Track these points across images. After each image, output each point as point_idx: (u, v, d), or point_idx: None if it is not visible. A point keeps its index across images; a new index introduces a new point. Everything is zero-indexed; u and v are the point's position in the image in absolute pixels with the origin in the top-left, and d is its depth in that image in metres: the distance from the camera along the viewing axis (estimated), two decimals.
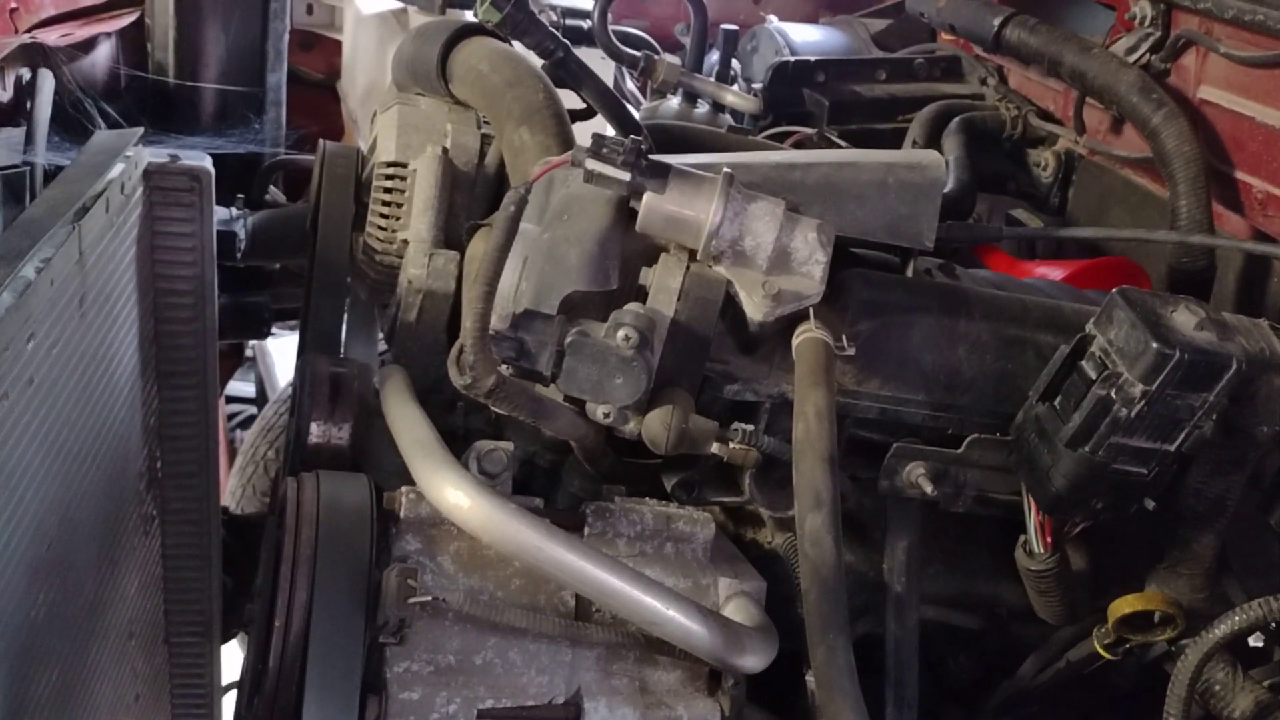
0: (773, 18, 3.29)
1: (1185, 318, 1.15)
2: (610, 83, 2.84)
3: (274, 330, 2.75)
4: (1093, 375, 1.18)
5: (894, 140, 2.50)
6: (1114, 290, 1.20)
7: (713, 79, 2.65)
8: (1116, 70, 2.01)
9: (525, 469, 1.51)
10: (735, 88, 2.72)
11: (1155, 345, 1.12)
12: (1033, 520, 1.31)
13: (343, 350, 1.95)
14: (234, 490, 2.79)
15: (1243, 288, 1.91)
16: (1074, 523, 1.31)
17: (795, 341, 1.24)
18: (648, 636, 1.27)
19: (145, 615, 1.94)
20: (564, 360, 1.19)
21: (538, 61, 1.85)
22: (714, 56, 3.24)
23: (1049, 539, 1.30)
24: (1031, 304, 1.40)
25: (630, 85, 2.92)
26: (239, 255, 2.36)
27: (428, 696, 1.20)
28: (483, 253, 1.18)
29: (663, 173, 1.22)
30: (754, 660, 1.22)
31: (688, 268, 1.27)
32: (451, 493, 1.17)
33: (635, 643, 1.28)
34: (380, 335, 2.10)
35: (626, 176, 1.20)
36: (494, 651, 1.23)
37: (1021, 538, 1.34)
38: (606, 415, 1.22)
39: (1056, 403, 1.24)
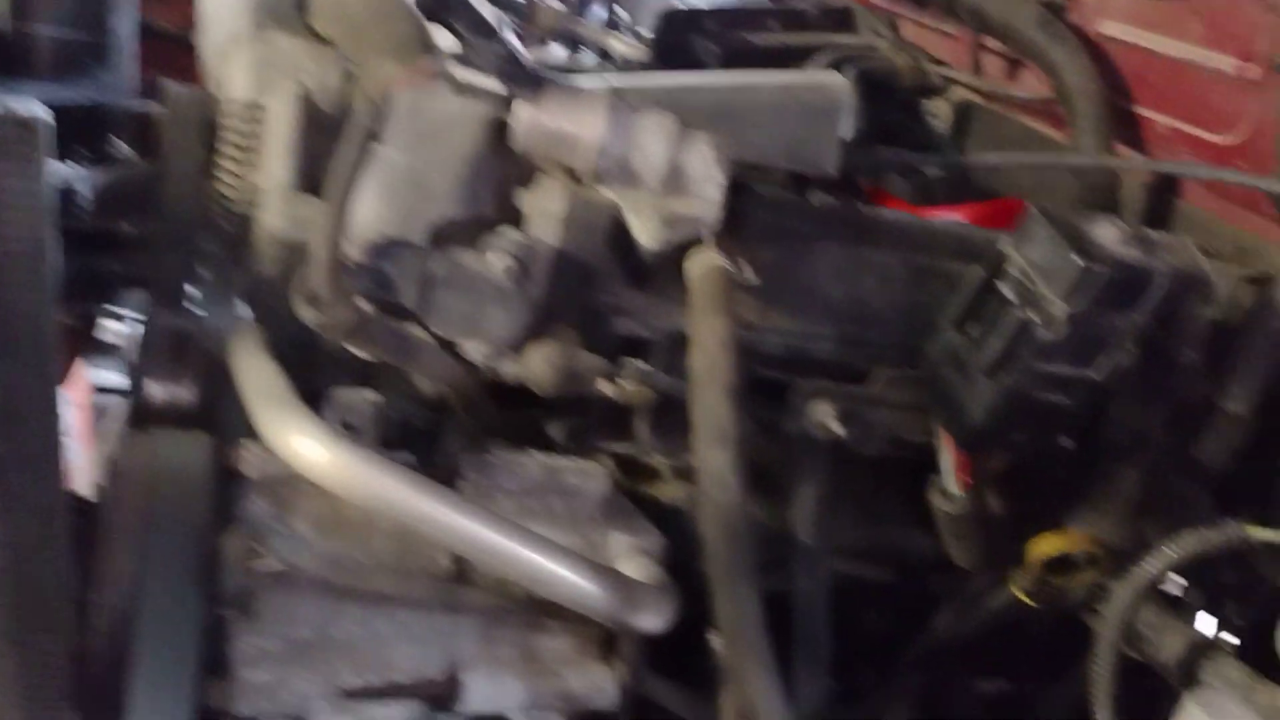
0: None
1: (1108, 232, 1.07)
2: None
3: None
4: (1011, 297, 1.09)
5: None
6: (1031, 206, 1.11)
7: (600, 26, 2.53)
8: (1015, 6, 1.95)
9: (401, 432, 1.37)
10: (623, 35, 2.60)
11: (1079, 261, 1.03)
12: (948, 459, 1.22)
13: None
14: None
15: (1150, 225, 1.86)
16: (993, 460, 1.22)
17: (691, 269, 1.12)
18: (535, 600, 1.15)
19: None
20: (432, 293, 1.05)
21: None
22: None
23: (967, 479, 1.21)
24: (941, 231, 1.31)
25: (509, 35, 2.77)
26: (82, 215, 2.14)
27: (280, 676, 1.06)
28: (330, 171, 1.04)
29: (540, 84, 1.09)
30: (653, 619, 1.11)
31: (572, 191, 1.14)
32: (302, 442, 1.02)
33: (521, 608, 1.16)
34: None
35: (500, 87, 1.07)
36: (358, 623, 1.10)
37: (935, 480, 1.25)
38: (483, 354, 1.08)
39: (972, 330, 1.15)
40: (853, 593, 1.51)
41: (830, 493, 1.38)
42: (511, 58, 1.07)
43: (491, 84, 1.06)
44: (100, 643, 1.02)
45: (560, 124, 1.09)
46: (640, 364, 1.14)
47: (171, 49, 2.92)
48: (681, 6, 2.51)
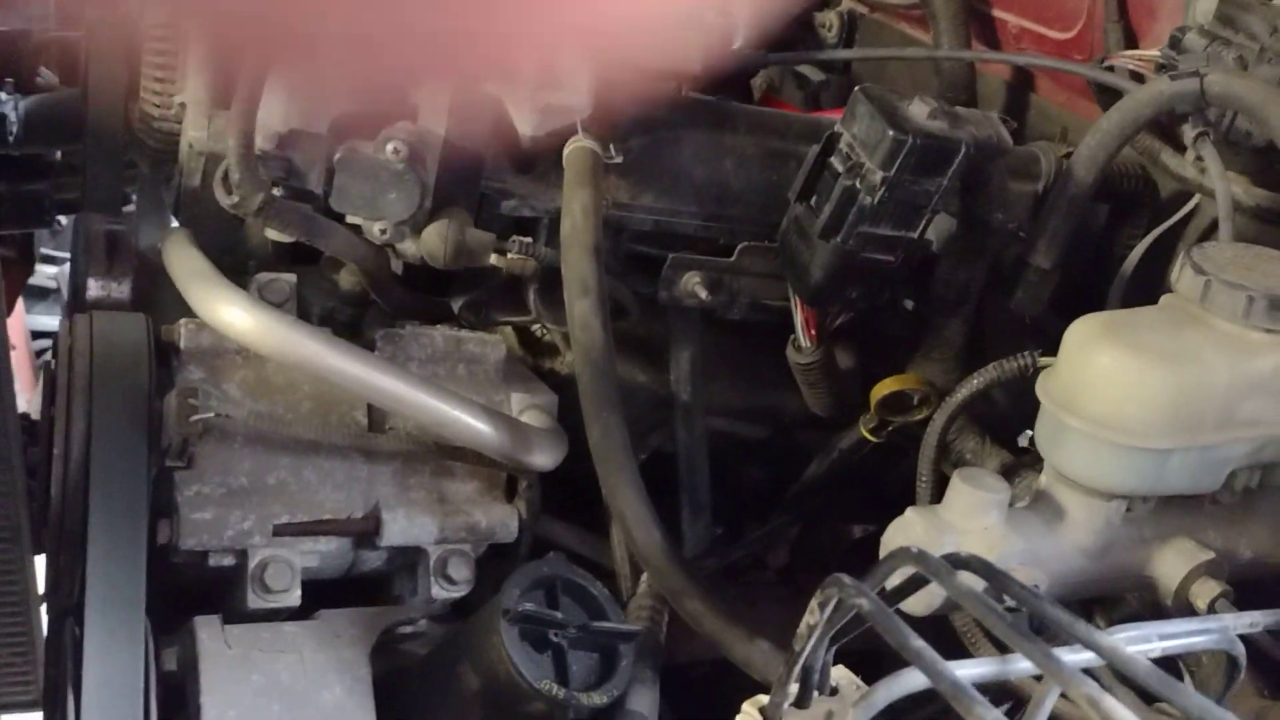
0: None
1: (919, 109, 1.24)
2: None
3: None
4: (840, 169, 1.26)
5: None
6: (856, 88, 1.28)
7: None
8: None
9: (324, 324, 1.52)
10: None
11: (891, 132, 1.20)
12: (799, 316, 1.40)
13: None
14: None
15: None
16: (834, 315, 1.40)
17: (565, 152, 1.28)
18: (443, 449, 1.32)
19: None
20: (335, 178, 1.20)
21: None
22: None
23: (814, 332, 1.40)
24: (793, 118, 1.47)
25: None
26: (11, 140, 2.24)
27: (220, 516, 1.22)
28: (241, 70, 1.18)
29: None
30: (543, 458, 1.28)
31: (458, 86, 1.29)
32: (228, 310, 1.18)
33: (431, 455, 1.32)
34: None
35: None
36: (287, 471, 1.26)
37: (792, 337, 1.43)
38: (383, 231, 1.24)
39: (813, 201, 1.32)
40: (733, 449, 1.70)
41: (705, 356, 1.55)
42: None
43: None
44: (60, 493, 1.17)
45: None
46: (525, 239, 1.29)
47: None
48: None
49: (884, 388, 1.41)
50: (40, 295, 4.04)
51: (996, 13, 2.08)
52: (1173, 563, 1.03)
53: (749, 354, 1.61)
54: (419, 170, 1.22)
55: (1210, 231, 1.62)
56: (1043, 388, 1.02)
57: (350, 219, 1.27)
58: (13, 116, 2.26)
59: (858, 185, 1.25)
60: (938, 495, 1.29)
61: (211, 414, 1.18)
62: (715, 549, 1.63)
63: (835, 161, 1.28)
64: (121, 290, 1.50)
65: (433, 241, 1.25)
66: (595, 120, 1.33)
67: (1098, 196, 1.65)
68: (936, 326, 1.43)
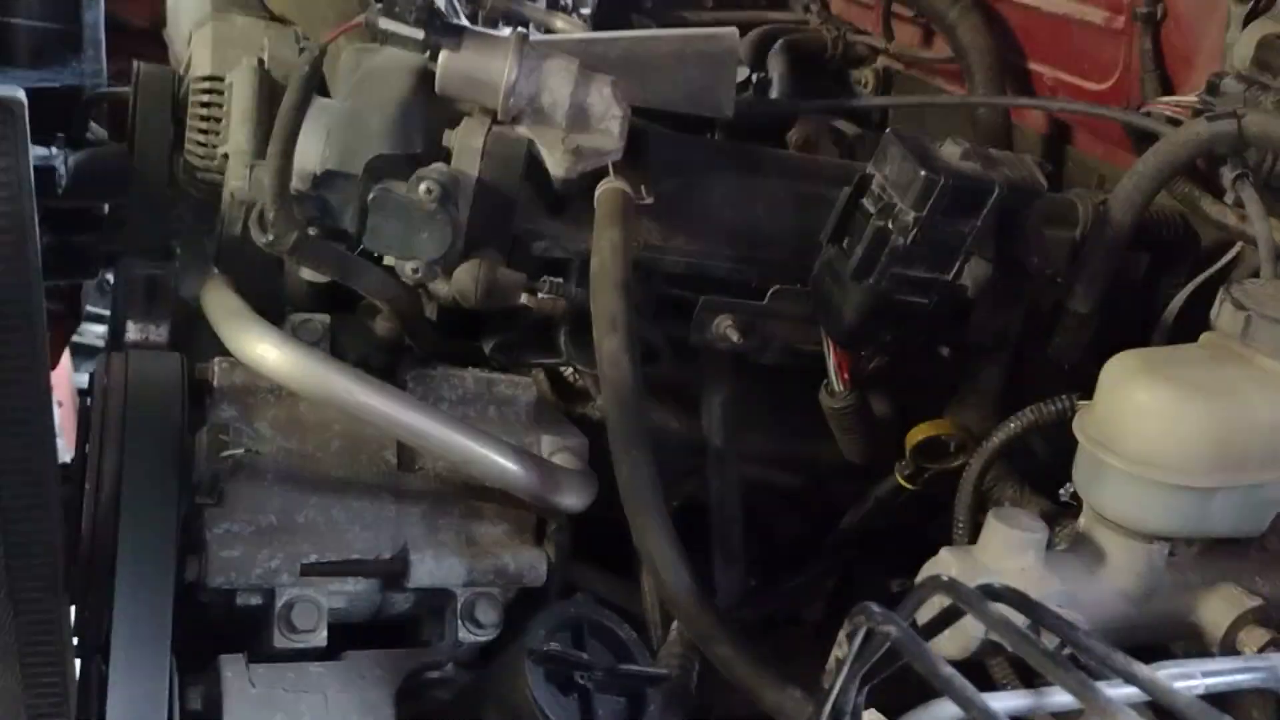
0: None
1: (951, 150, 1.24)
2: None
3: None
4: (872, 210, 1.25)
5: None
6: (888, 130, 1.28)
7: (542, 5, 2.68)
8: None
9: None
10: (571, 16, 2.75)
11: (923, 173, 1.20)
12: (831, 359, 1.39)
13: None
14: None
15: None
16: (869, 358, 1.38)
17: (597, 192, 1.28)
18: (473, 490, 1.31)
19: None
20: (368, 217, 1.21)
21: None
22: None
23: (846, 375, 1.38)
24: (825, 162, 1.48)
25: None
26: (60, 192, 2.30)
27: (248, 554, 1.21)
28: (279, 113, 1.20)
29: (457, 32, 1.25)
30: (573, 499, 1.27)
31: (490, 129, 1.30)
32: (260, 345, 1.19)
33: (461, 496, 1.32)
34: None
35: (420, 34, 1.23)
36: (316, 510, 1.25)
37: (825, 381, 1.42)
38: (415, 271, 1.25)
39: (845, 243, 1.31)
40: (768, 498, 1.68)
41: (738, 403, 1.54)
42: (431, 8, 1.23)
43: (411, 31, 1.22)
44: (90, 529, 1.17)
45: (475, 68, 1.26)
46: (556, 279, 1.30)
47: (138, 41, 3.08)
48: None
49: (919, 433, 1.39)
50: (88, 354, 4.11)
51: (1033, 65, 2.08)
52: (1219, 609, 0.99)
53: (783, 401, 1.60)
54: (451, 211, 1.23)
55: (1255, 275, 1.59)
56: (1079, 426, 1.00)
57: (385, 260, 1.28)
58: (61, 170, 2.32)
59: (890, 226, 1.24)
60: (974, 543, 1.26)
61: (241, 450, 1.18)
62: (749, 600, 1.60)
63: (867, 203, 1.27)
64: (159, 333, 1.52)
65: (464, 281, 1.25)
66: (627, 162, 1.34)
67: (1137, 245, 1.64)
68: (973, 372, 1.41)
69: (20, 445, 2.09)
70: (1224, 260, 1.56)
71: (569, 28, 2.61)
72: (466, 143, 1.29)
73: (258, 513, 1.23)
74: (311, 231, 1.21)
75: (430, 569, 1.28)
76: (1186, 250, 1.64)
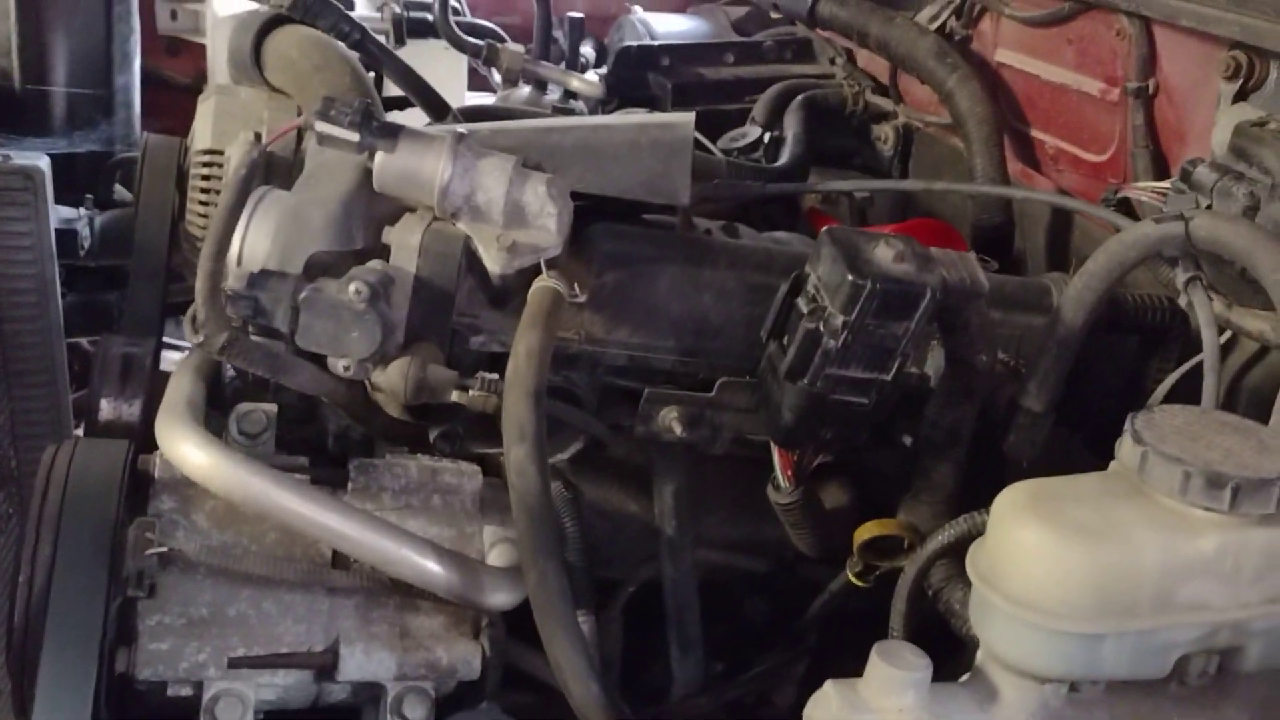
0: (637, 8, 3.35)
1: (884, 251, 1.21)
2: (465, 74, 2.90)
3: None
4: (804, 310, 1.23)
5: (740, 121, 2.56)
6: (824, 229, 1.26)
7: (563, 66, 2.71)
8: (915, 37, 2.08)
9: (340, 442, 1.54)
10: (589, 75, 2.77)
11: (850, 277, 1.17)
12: (776, 455, 1.36)
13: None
14: None
15: (1051, 241, 1.98)
16: (811, 456, 1.36)
17: (530, 291, 1.28)
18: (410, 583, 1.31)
19: None
20: (300, 316, 1.23)
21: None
22: (586, 47, 3.29)
23: (790, 472, 1.36)
24: (776, 252, 1.45)
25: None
26: (83, 253, 2.39)
27: (177, 647, 1.23)
28: (215, 214, 1.22)
29: (394, 133, 1.27)
30: (499, 598, 1.27)
31: (429, 225, 1.31)
32: (183, 446, 1.21)
33: (399, 588, 1.32)
34: None
35: (355, 137, 1.25)
36: (248, 603, 1.27)
37: (772, 476, 1.39)
38: (347, 368, 1.26)
39: (784, 340, 1.29)
40: (735, 582, 1.65)
41: (702, 488, 1.52)
42: (367, 111, 1.25)
43: (348, 134, 1.24)
44: (23, 618, 1.20)
45: (409, 168, 1.27)
46: (491, 375, 1.30)
47: (183, 98, 3.17)
48: (635, 44, 2.68)
49: (865, 532, 1.36)
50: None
51: (1035, 133, 2.04)
52: None
53: (746, 485, 1.58)
54: (382, 309, 1.24)
55: (1251, 364, 1.53)
56: (971, 559, 0.96)
57: None
58: (85, 232, 2.41)
59: (821, 328, 1.22)
60: None
61: (165, 548, 1.21)
62: (711, 687, 1.58)
63: (801, 303, 1.25)
64: (132, 411, 1.56)
65: (394, 379, 1.26)
66: (569, 257, 1.34)
67: (1125, 329, 1.58)
68: (926, 468, 1.38)
69: None
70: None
71: (584, 87, 2.63)
72: (404, 239, 1.31)
73: (189, 605, 1.25)
74: (238, 327, 1.23)
75: (360, 662, 1.29)
76: (1176, 333, 1.58)
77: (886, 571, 1.38)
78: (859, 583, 1.40)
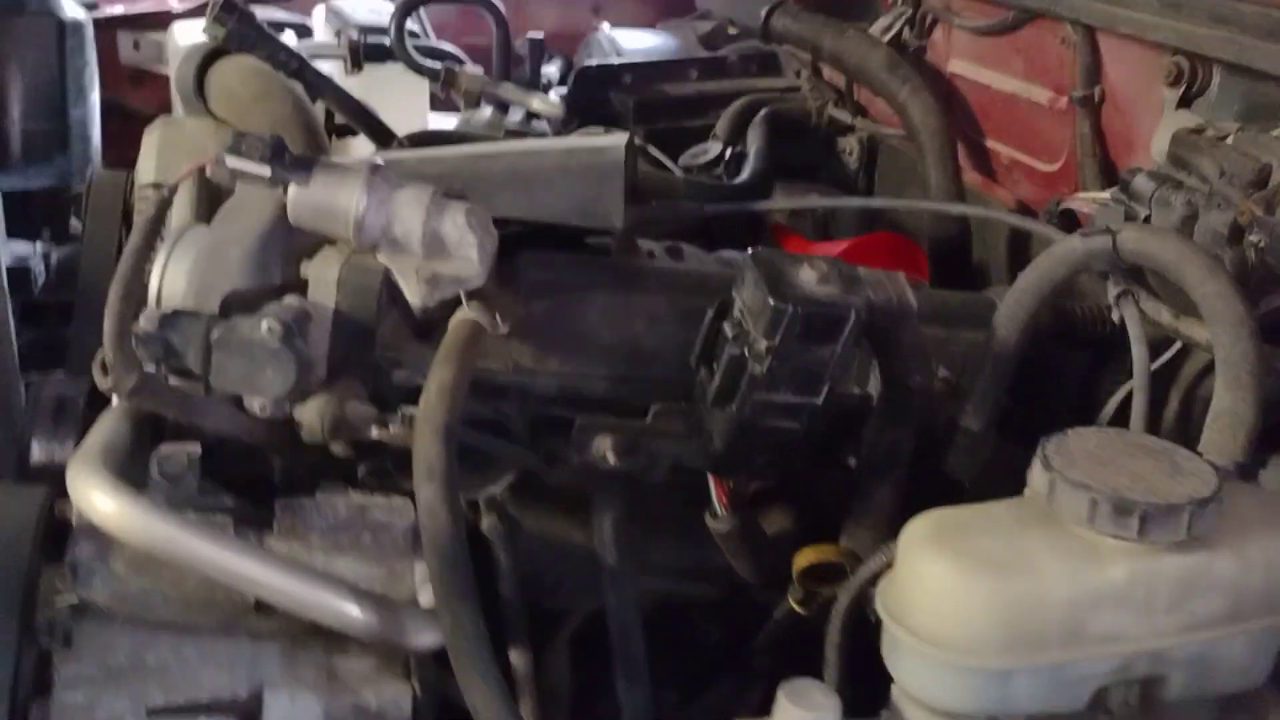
0: (605, 25, 3.33)
1: (808, 274, 1.18)
2: (426, 97, 2.88)
3: None
4: (730, 335, 1.20)
5: (704, 137, 2.53)
6: (749, 252, 1.23)
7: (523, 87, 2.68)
8: (867, 50, 2.06)
9: (286, 478, 1.51)
10: (550, 95, 2.75)
11: (771, 301, 1.14)
12: (711, 483, 1.33)
13: None
14: None
15: (1010, 252, 1.95)
16: (745, 482, 1.33)
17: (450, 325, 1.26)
18: None
19: None
20: (213, 357, 1.21)
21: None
22: (553, 66, 3.27)
23: (724, 500, 1.32)
24: (711, 275, 1.42)
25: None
26: (38, 290, 2.37)
27: (93, 697, 1.20)
28: (123, 255, 1.20)
29: (307, 166, 1.24)
30: (421, 638, 1.23)
31: (347, 259, 1.29)
32: (94, 495, 1.18)
33: (324, 631, 1.29)
34: None
35: (267, 171, 1.22)
36: (168, 650, 1.24)
37: (708, 505, 1.36)
38: (262, 408, 1.23)
39: (713, 366, 1.26)
40: (686, 609, 1.62)
41: (646, 515, 1.49)
42: (279, 144, 1.23)
43: (259, 168, 1.21)
44: None
45: (324, 201, 1.24)
46: (411, 410, 1.27)
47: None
48: (595, 63, 2.66)
49: (803, 559, 1.32)
50: None
51: (990, 144, 2.02)
52: None
53: (694, 511, 1.54)
54: (297, 346, 1.21)
55: (1206, 373, 1.49)
56: (880, 592, 0.93)
57: None
58: (39, 269, 2.40)
59: (745, 353, 1.19)
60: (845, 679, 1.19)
61: (76, 598, 1.18)
62: (662, 717, 1.55)
63: (727, 328, 1.22)
64: (64, 453, 1.54)
65: (310, 417, 1.23)
66: (494, 287, 1.31)
67: (1075, 343, 1.55)
68: (865, 491, 1.34)
69: None
70: (1165, 357, 1.47)
71: (544, 107, 2.61)
72: (322, 273, 1.28)
73: (107, 654, 1.22)
74: (149, 370, 1.21)
75: (285, 709, 1.25)
76: (1126, 345, 1.55)
77: (830, 598, 1.34)
78: (801, 610, 1.37)
